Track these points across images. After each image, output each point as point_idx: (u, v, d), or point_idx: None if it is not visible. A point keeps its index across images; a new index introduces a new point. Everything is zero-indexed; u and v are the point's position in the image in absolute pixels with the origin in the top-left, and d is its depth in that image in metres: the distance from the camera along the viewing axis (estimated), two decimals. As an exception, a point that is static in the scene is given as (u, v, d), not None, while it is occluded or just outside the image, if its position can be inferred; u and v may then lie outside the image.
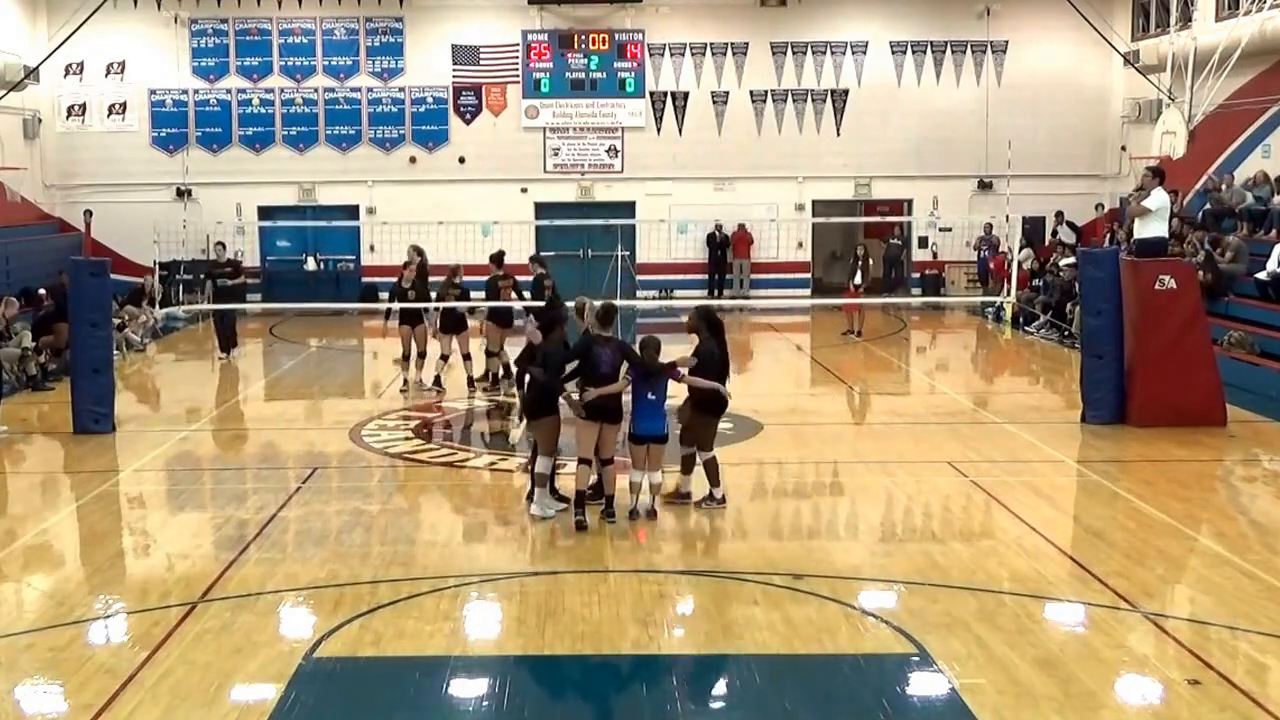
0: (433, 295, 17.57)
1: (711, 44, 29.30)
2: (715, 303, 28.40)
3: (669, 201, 28.50)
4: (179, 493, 12.34)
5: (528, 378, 11.10)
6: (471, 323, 17.69)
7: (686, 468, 11.12)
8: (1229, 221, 21.94)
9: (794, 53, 29.37)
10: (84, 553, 10.22)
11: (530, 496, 11.05)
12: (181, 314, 23.18)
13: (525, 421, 11.32)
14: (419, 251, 18.21)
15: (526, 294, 17.16)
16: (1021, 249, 24.46)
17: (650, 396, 10.40)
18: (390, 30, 29.18)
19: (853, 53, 29.37)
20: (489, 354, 17.36)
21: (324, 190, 29.01)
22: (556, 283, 16.28)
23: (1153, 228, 15.24)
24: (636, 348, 10.54)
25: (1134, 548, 9.91)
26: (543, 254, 18.53)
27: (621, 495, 10.68)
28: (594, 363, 10.39)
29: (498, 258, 17.70)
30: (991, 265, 26.83)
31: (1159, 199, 15.07)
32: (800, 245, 29.80)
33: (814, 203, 29.48)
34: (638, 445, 10.56)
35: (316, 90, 29.23)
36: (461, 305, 17.39)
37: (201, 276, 23.35)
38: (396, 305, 17.48)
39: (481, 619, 8.60)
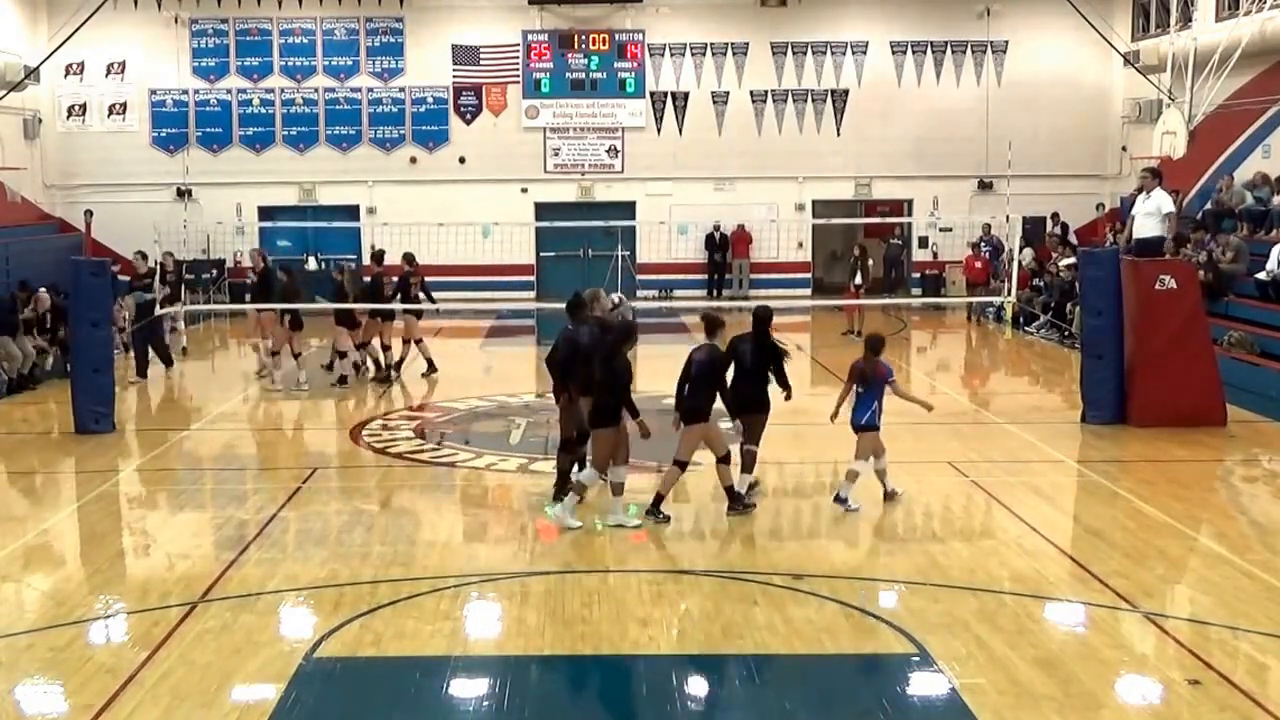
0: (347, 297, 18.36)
1: (711, 44, 29.32)
2: (714, 303, 28.47)
3: (669, 202, 28.52)
4: (179, 493, 12.34)
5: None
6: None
7: (747, 465, 11.13)
8: (1229, 222, 21.92)
9: (794, 53, 29.38)
10: (84, 553, 10.23)
11: (560, 496, 10.86)
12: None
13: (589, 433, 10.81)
14: (262, 256, 19.47)
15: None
16: (1022, 249, 24.43)
17: (859, 390, 11.05)
18: (390, 30, 29.19)
19: (853, 53, 29.38)
20: (386, 348, 18.36)
21: (324, 190, 29.03)
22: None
23: (1151, 227, 15.28)
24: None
25: (1134, 548, 9.91)
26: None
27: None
28: (687, 365, 10.74)
29: (409, 257, 18.76)
30: (979, 264, 26.26)
31: (1164, 200, 15.14)
32: (800, 245, 29.80)
33: (814, 203, 29.51)
34: (857, 433, 11.08)
35: (317, 90, 29.24)
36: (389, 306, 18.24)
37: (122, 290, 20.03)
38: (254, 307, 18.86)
39: (481, 619, 8.60)
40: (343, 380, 18.07)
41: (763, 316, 11.13)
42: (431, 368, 18.66)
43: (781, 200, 29.31)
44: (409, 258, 18.71)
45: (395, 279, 18.28)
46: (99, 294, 14.78)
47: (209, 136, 29.08)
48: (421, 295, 18.67)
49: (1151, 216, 15.59)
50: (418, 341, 18.71)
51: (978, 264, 26.16)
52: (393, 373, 18.34)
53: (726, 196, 29.20)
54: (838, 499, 11.04)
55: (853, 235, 29.62)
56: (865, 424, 11.03)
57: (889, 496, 11.23)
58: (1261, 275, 19.04)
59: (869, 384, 11.05)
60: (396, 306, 18.26)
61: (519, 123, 29.29)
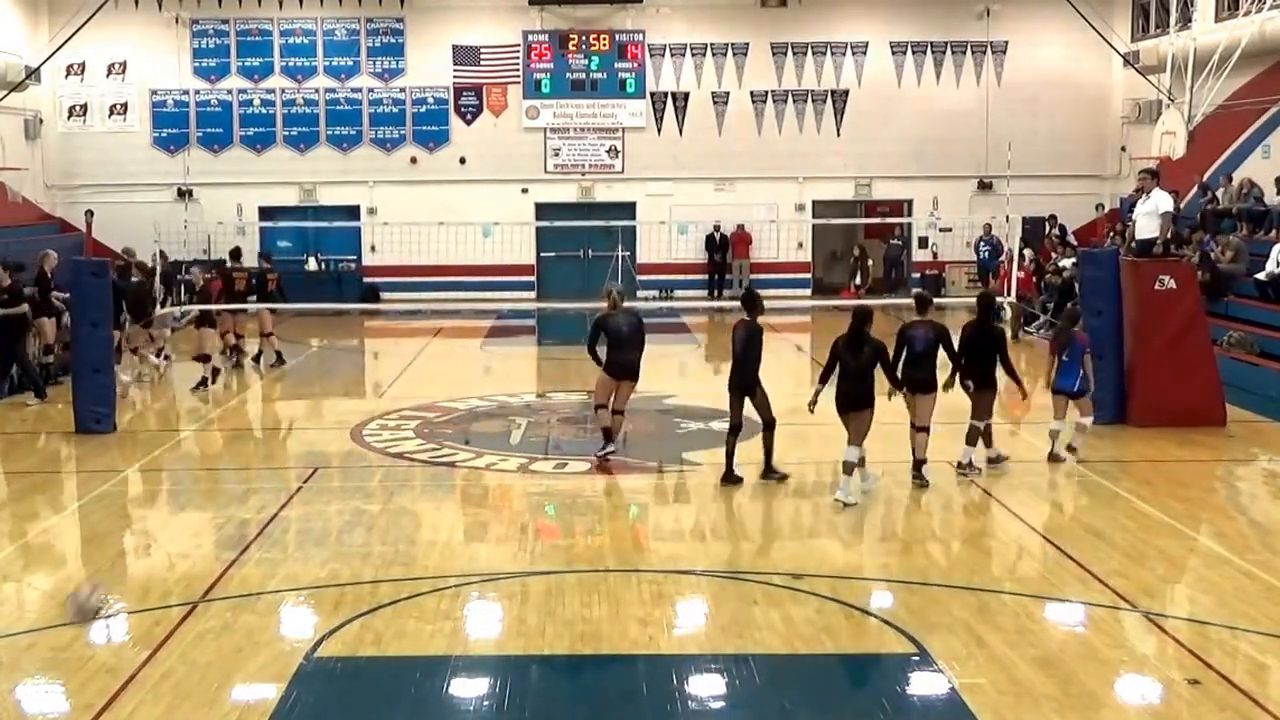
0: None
1: (711, 44, 29.33)
2: (715, 303, 28.49)
3: (669, 202, 28.55)
4: (179, 493, 12.35)
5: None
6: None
7: (971, 439, 12.19)
8: (1228, 222, 21.93)
9: (794, 53, 29.39)
10: (85, 553, 10.23)
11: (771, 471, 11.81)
12: (178, 314, 23.19)
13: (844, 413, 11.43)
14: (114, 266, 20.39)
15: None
16: (1021, 249, 24.38)
17: (1065, 358, 12.59)
18: (391, 31, 29.21)
19: (853, 53, 29.39)
20: (239, 336, 19.45)
21: (325, 190, 29.06)
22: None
23: (1151, 228, 15.32)
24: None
25: (1134, 548, 9.92)
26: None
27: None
28: (909, 341, 11.73)
29: (267, 254, 21.40)
30: (1021, 274, 24.70)
31: (1162, 199, 15.17)
32: (800, 245, 29.83)
33: (814, 203, 29.51)
34: (1057, 396, 12.64)
35: (317, 91, 29.26)
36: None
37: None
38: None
39: (481, 619, 8.60)
40: (207, 381, 17.61)
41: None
42: (280, 360, 19.66)
43: (781, 200, 29.32)
44: (266, 255, 20.73)
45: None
46: (99, 294, 14.78)
47: (210, 137, 29.10)
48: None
49: (1151, 217, 15.63)
50: (267, 335, 19.56)
51: (1019, 273, 23.15)
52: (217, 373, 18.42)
53: (726, 196, 29.23)
54: (1069, 448, 12.66)
55: (853, 235, 29.64)
56: (1078, 390, 12.48)
57: (1054, 457, 12.58)
58: (1261, 275, 19.05)
59: (1072, 352, 12.49)
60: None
61: (519, 123, 29.31)
